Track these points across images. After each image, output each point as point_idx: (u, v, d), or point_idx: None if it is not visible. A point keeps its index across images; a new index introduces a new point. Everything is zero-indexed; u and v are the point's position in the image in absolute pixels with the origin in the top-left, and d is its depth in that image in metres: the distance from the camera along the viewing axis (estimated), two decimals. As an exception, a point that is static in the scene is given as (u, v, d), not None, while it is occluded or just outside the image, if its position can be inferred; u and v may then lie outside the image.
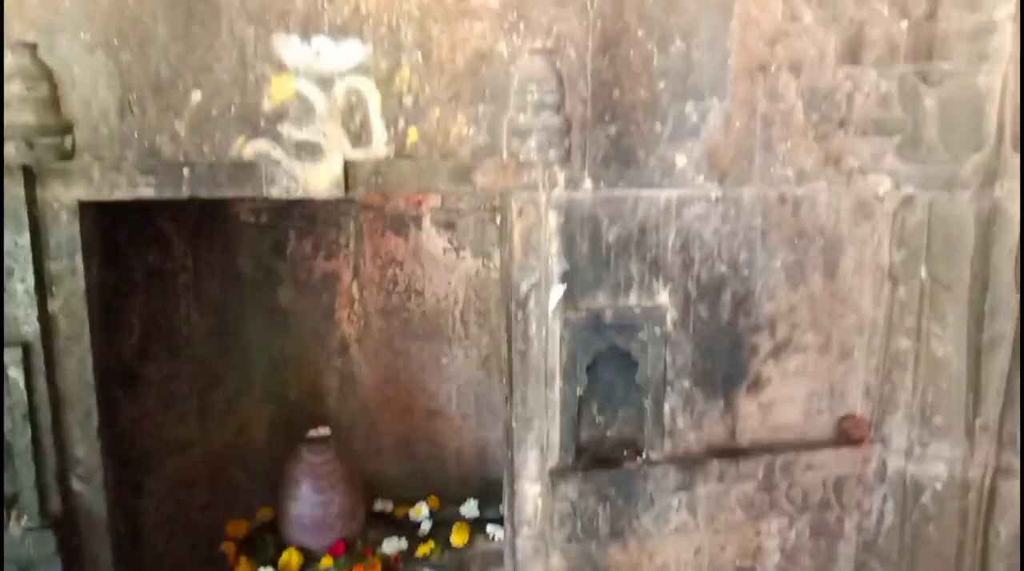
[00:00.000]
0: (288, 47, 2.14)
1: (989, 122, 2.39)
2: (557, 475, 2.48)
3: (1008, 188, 2.40)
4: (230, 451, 2.97)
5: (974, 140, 2.40)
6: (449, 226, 3.05)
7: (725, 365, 2.60)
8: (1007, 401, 2.48)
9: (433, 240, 3.06)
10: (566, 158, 2.36)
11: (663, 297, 2.51)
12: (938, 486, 2.59)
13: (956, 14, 2.35)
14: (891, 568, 2.68)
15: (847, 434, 2.68)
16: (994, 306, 2.45)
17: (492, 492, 2.97)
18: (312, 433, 2.88)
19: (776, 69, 2.47)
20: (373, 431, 3.13)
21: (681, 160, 2.46)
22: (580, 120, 2.38)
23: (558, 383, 2.47)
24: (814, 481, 2.65)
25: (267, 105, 2.16)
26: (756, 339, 2.61)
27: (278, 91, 2.16)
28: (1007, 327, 2.45)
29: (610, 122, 2.40)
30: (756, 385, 2.63)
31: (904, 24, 2.43)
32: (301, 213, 2.93)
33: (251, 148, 2.17)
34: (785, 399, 2.67)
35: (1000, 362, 2.48)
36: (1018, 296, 2.42)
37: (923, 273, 2.53)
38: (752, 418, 2.65)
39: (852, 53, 2.47)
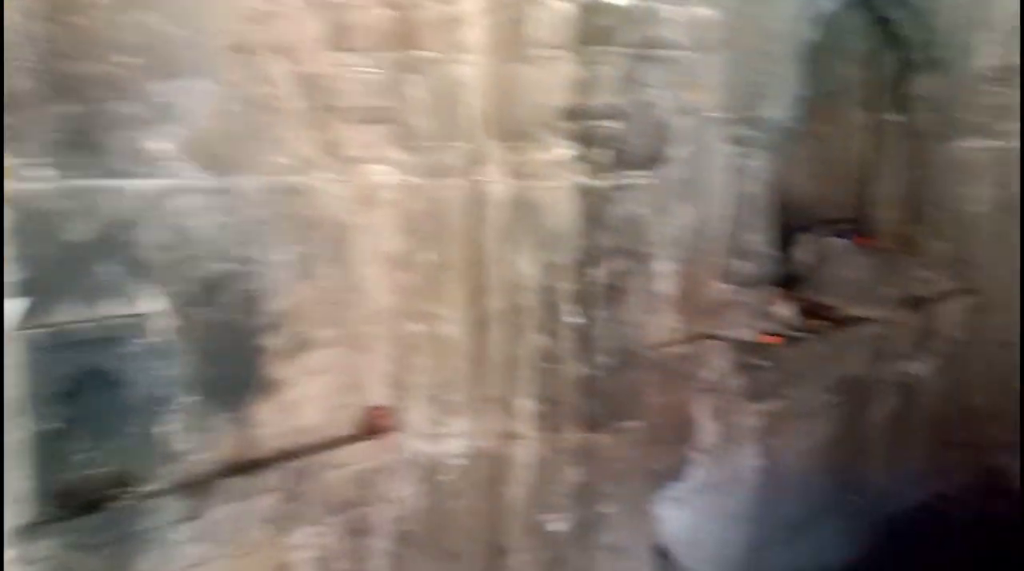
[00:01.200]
0: None
1: (470, 111, 2.51)
2: (29, 533, 2.01)
3: (491, 174, 2.55)
4: None
5: (457, 129, 2.51)
6: None
7: (236, 371, 2.38)
8: (508, 372, 2.66)
9: None
10: (12, 142, 1.92)
11: (152, 303, 2.19)
12: (457, 461, 2.68)
13: (432, 4, 2.42)
14: (424, 552, 2.71)
15: (371, 426, 2.65)
16: (489, 283, 2.60)
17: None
18: None
19: (263, 51, 2.32)
20: None
21: (162, 147, 2.18)
22: (28, 97, 1.96)
23: (24, 420, 2.01)
24: (342, 480, 2.55)
25: None
26: (268, 339, 2.43)
27: None
28: (502, 302, 2.62)
29: (68, 101, 2.02)
30: (272, 388, 2.46)
31: (388, 12, 2.43)
32: None
33: None
34: (306, 399, 2.54)
35: (499, 335, 2.64)
36: (508, 274, 2.60)
37: (426, 257, 2.59)
38: (271, 425, 2.46)
39: (339, 39, 2.42)
